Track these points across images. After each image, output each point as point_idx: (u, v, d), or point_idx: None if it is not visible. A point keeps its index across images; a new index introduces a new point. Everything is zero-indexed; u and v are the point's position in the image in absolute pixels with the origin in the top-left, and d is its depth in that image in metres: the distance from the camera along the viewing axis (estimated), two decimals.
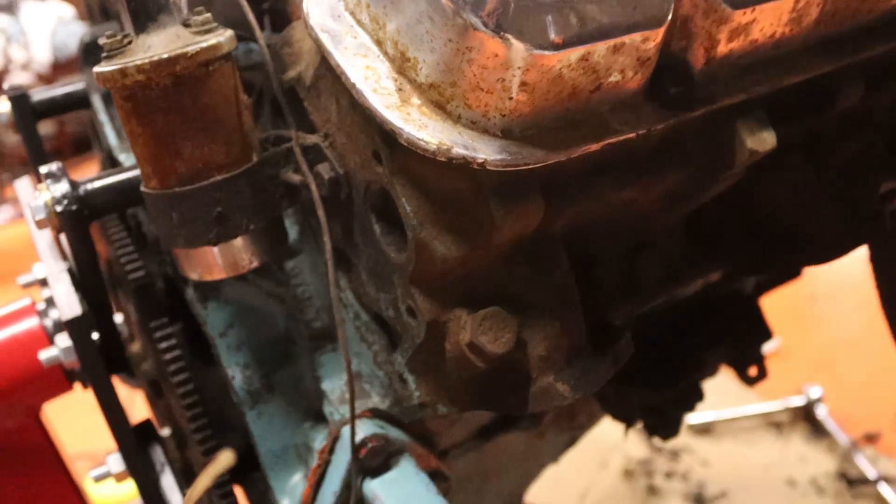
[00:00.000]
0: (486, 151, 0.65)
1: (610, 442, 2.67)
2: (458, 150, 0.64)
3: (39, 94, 1.19)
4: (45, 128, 5.64)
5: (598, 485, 2.60)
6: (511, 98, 0.65)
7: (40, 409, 1.14)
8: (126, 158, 1.11)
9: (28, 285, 1.21)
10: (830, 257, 0.95)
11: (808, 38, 0.82)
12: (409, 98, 0.67)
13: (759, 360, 1.30)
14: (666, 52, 0.73)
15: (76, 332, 0.90)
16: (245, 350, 0.92)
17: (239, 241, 0.79)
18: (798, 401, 2.75)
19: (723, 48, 0.75)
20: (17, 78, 5.01)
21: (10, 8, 5.29)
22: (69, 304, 0.91)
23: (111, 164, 1.23)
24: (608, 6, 0.64)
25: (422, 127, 0.65)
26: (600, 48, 0.65)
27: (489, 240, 0.71)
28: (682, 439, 2.70)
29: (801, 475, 2.55)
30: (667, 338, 1.17)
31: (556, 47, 0.62)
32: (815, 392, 2.74)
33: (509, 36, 0.61)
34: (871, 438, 2.58)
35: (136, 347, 1.26)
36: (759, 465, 2.63)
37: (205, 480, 0.48)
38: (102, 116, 1.19)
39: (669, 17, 0.68)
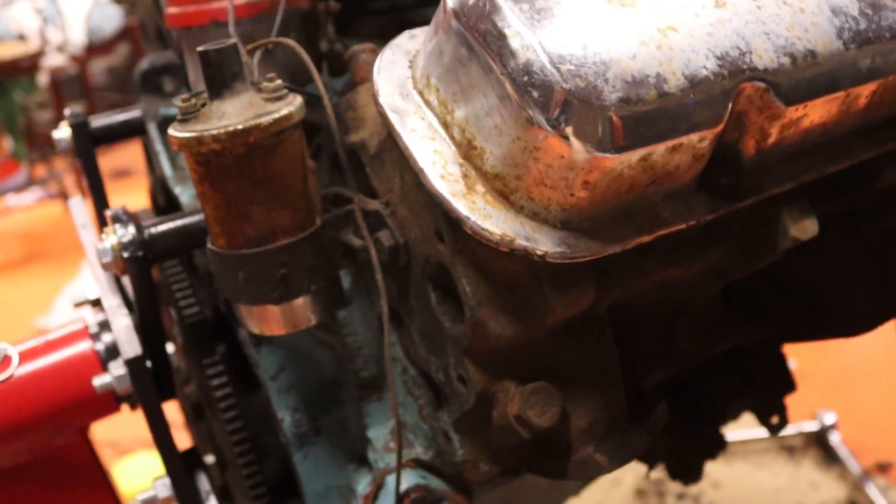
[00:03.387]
0: (546, 244, 0.68)
1: None
2: (521, 242, 0.68)
3: (98, 121, 1.23)
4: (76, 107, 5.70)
5: (610, 502, 2.64)
6: (573, 195, 0.68)
7: (88, 428, 1.19)
8: (181, 191, 1.15)
9: (80, 304, 1.26)
10: (861, 331, 0.98)
11: (854, 124, 0.85)
12: (474, 185, 0.71)
13: (782, 410, 1.33)
14: (717, 143, 0.76)
15: (135, 370, 0.95)
16: (295, 393, 0.96)
17: (300, 301, 0.83)
18: (811, 426, 2.76)
19: (773, 139, 0.78)
20: (53, 59, 5.06)
21: None
22: (130, 343, 0.95)
23: (163, 192, 1.27)
24: (669, 108, 0.67)
25: (486, 217, 0.69)
26: (660, 149, 0.68)
27: (542, 321, 0.74)
28: None
29: (811, 501, 2.57)
30: (691, 386, 1.20)
31: (620, 150, 0.66)
32: (828, 418, 2.74)
33: (575, 139, 0.65)
34: (883, 468, 2.60)
35: (180, 366, 1.31)
36: (770, 489, 2.64)
37: None
38: (158, 146, 1.23)
39: (727, 116, 0.71)
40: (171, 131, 0.78)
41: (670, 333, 0.94)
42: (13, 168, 5.60)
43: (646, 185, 0.72)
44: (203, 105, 0.80)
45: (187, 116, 0.79)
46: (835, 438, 2.73)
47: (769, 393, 1.30)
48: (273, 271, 0.80)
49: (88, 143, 1.22)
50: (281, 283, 0.81)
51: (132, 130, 1.26)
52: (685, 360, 0.96)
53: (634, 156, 0.67)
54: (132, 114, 1.26)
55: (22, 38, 5.24)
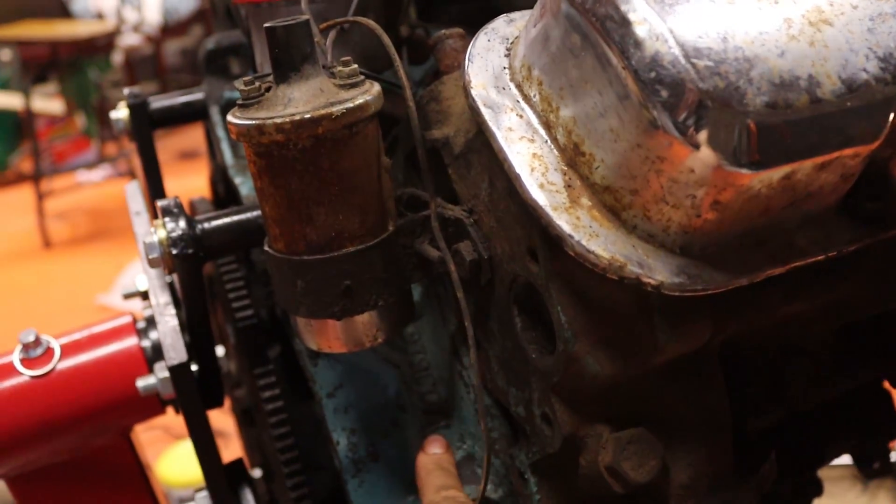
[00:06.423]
0: (662, 273, 0.57)
1: None
2: (633, 269, 0.57)
3: (157, 102, 1.15)
4: (148, 87, 5.73)
5: None
6: (699, 216, 0.57)
7: (131, 430, 1.12)
8: (242, 182, 1.06)
9: (130, 296, 1.19)
10: None
11: None
12: (578, 198, 0.60)
13: (885, 456, 1.19)
14: (867, 161, 0.64)
15: (178, 378, 0.86)
16: (353, 413, 0.87)
17: (364, 317, 0.73)
18: (890, 456, 2.61)
19: None
20: (128, 38, 5.08)
21: None
22: (175, 349, 0.86)
23: (223, 181, 1.19)
24: (822, 118, 0.56)
25: (592, 236, 0.58)
26: (807, 166, 0.57)
27: (648, 361, 0.63)
28: None
29: None
30: (793, 428, 1.08)
31: (761, 166, 0.54)
32: None
33: (709, 149, 0.53)
34: None
35: (233, 367, 1.23)
36: None
37: None
38: (220, 131, 1.14)
39: (886, 130, 0.59)
40: (229, 118, 0.69)
41: (781, 373, 0.82)
42: (84, 145, 5.66)
43: (783, 208, 0.60)
44: (268, 89, 0.70)
45: (249, 101, 0.69)
46: None
47: (874, 436, 1.16)
48: (336, 282, 0.70)
49: (147, 126, 1.14)
50: (344, 296, 0.71)
51: (194, 114, 1.17)
52: (796, 404, 0.84)
53: (777, 173, 0.56)
54: (194, 96, 1.17)
55: (100, 16, 5.28)
